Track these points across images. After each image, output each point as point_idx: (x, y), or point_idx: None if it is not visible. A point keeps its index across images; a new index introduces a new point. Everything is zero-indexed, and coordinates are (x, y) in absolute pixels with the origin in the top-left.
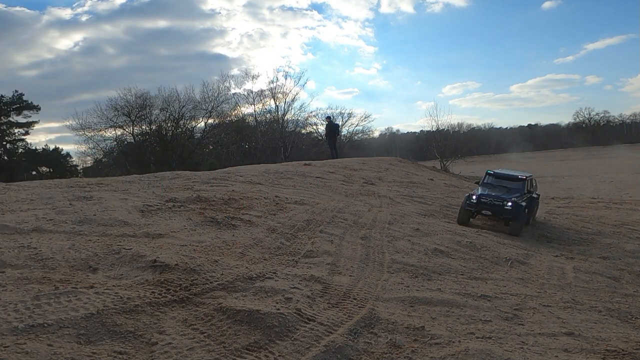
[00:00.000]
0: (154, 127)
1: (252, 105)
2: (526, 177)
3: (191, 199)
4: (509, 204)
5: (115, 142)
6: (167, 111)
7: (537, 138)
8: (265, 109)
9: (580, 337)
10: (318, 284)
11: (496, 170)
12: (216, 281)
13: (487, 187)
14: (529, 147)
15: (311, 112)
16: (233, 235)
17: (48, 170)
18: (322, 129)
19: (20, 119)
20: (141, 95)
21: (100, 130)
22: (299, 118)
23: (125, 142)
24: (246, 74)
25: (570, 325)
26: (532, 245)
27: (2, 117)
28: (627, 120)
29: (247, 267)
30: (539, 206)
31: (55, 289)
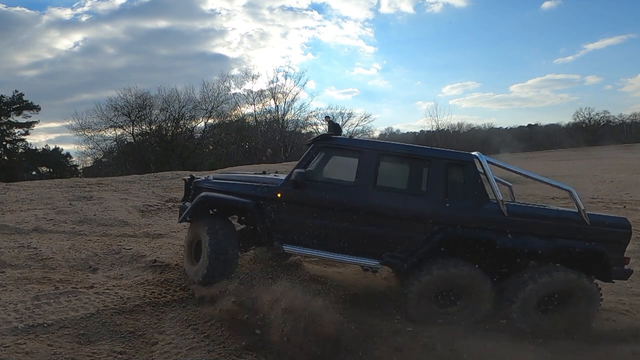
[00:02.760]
0: (154, 127)
1: (252, 105)
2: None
3: None
4: None
5: (115, 142)
6: (167, 111)
7: (537, 138)
8: (265, 109)
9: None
10: (317, 284)
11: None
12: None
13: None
14: (520, 146)
15: (311, 112)
16: None
17: (48, 170)
18: (322, 129)
19: (20, 119)
20: (141, 95)
21: (100, 131)
22: (299, 118)
23: (125, 142)
24: (246, 74)
25: None
26: None
27: (2, 117)
28: (627, 120)
29: (246, 267)
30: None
31: (55, 289)
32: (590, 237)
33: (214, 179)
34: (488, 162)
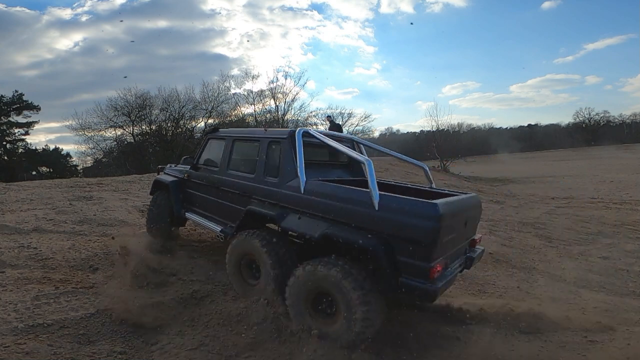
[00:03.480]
0: (154, 127)
1: (252, 105)
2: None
3: None
4: None
5: (115, 142)
6: (167, 111)
7: (537, 138)
8: (265, 109)
9: None
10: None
11: None
12: (217, 281)
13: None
14: (517, 146)
15: (311, 112)
16: None
17: (48, 170)
18: (322, 128)
19: (20, 119)
20: (141, 95)
21: (100, 130)
22: (299, 118)
23: (125, 142)
24: (246, 74)
25: None
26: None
27: (2, 117)
28: (627, 120)
29: None
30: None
31: (55, 289)
32: (379, 228)
33: (173, 166)
34: (321, 134)
